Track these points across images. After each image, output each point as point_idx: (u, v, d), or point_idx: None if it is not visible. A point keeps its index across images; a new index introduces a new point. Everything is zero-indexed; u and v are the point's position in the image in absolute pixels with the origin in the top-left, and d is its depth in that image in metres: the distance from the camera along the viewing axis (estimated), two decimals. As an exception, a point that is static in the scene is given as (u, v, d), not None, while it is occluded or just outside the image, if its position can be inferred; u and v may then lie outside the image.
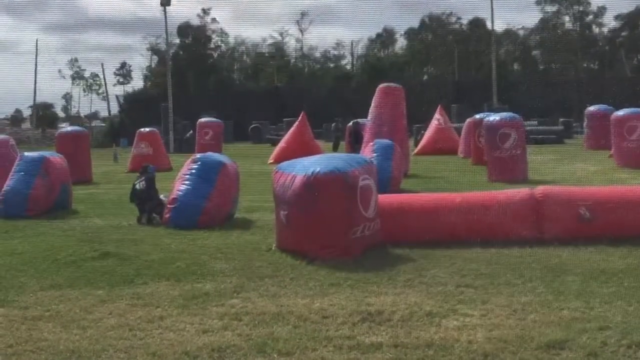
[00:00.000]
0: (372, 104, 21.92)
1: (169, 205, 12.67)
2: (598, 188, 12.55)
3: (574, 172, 21.39)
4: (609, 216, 9.99)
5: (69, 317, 6.95)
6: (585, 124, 34.93)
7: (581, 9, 78.60)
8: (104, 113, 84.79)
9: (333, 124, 42.85)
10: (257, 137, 51.44)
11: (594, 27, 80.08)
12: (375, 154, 17.03)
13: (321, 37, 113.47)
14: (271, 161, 27.41)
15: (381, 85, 22.29)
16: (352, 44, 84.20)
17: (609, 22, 79.38)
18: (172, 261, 9.43)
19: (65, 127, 33.65)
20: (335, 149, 33.87)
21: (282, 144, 31.04)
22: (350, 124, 27.47)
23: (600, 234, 9.73)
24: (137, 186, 13.40)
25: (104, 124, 75.98)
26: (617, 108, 25.94)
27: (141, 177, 13.60)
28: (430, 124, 34.46)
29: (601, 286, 7.53)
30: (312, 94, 65.43)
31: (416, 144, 33.73)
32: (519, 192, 10.62)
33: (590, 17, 79.27)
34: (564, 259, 8.87)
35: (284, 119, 48.42)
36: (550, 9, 79.11)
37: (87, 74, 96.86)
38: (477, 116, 27.53)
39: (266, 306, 7.11)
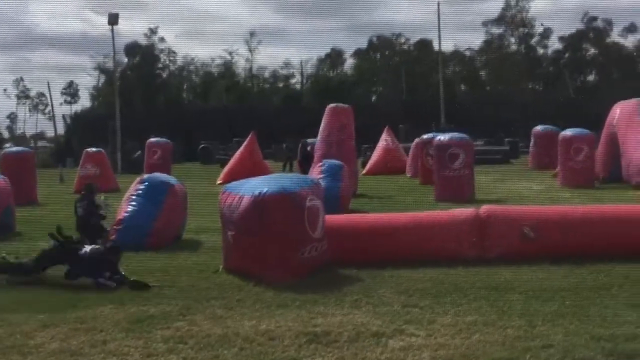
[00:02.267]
0: (322, 124, 22.01)
1: (114, 227, 12.49)
2: (541, 207, 12.80)
3: (519, 191, 21.77)
4: (551, 235, 10.16)
5: (9, 343, 6.80)
6: (531, 143, 35.58)
7: (526, 30, 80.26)
8: (50, 133, 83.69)
9: (284, 144, 42.92)
10: (207, 157, 51.15)
11: (538, 48, 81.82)
12: (324, 174, 17.10)
13: (270, 57, 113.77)
14: (220, 181, 27.26)
15: (330, 106, 22.41)
16: (301, 63, 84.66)
17: (553, 43, 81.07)
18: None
19: (10, 148, 33.03)
20: (284, 168, 33.89)
21: (231, 164, 30.91)
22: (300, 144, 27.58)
23: (543, 253, 9.89)
24: (78, 212, 13.11)
25: (50, 144, 74.88)
26: (562, 128, 26.47)
27: (84, 199, 13.30)
28: (378, 144, 34.73)
29: (543, 305, 7.65)
30: (261, 114, 65.44)
31: (363, 164, 33.88)
32: (464, 211, 10.75)
33: (536, 38, 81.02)
34: (508, 278, 9.00)
35: (234, 139, 48.30)
36: (496, 30, 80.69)
37: (33, 93, 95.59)
38: (425, 136, 27.87)
39: (212, 328, 7.06)
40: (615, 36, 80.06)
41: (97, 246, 9.95)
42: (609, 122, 24.45)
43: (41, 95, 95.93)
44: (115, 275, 9.29)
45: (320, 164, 18.40)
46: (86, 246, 9.88)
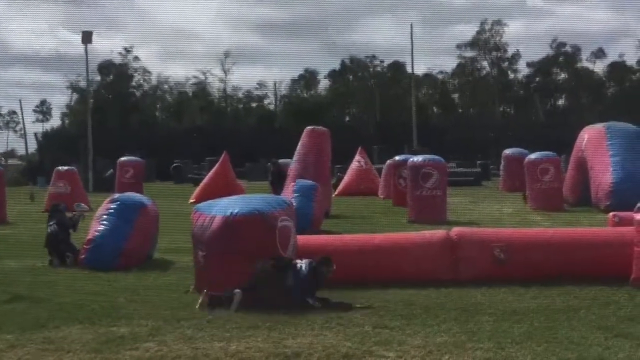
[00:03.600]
0: (299, 145, 22.26)
1: (84, 246, 12.40)
2: (512, 230, 12.93)
3: (491, 214, 21.96)
4: (521, 257, 10.26)
5: (-24, 363, 6.71)
6: (502, 166, 35.92)
7: (499, 54, 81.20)
8: (21, 151, 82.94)
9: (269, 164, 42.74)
10: (179, 177, 50.91)
11: (509, 72, 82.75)
12: (296, 194, 17.14)
13: (244, 77, 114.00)
14: (192, 200, 27.16)
15: (308, 128, 22.80)
16: (275, 84, 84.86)
17: (523, 68, 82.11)
18: (86, 303, 9.22)
19: (-21, 165, 32.67)
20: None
21: (203, 183, 30.82)
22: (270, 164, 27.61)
23: (514, 275, 9.98)
24: (49, 229, 13.04)
25: (21, 162, 74.18)
26: (531, 151, 26.79)
27: (52, 219, 13.23)
28: (351, 165, 34.84)
29: (512, 326, 7.71)
30: (234, 134, 65.43)
31: (335, 186, 33.84)
32: (435, 233, 10.83)
33: (507, 62, 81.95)
34: (478, 300, 9.06)
35: (207, 158, 48.17)
36: (469, 54, 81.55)
37: (4, 111, 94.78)
38: (397, 157, 28.01)
39: (182, 349, 7.02)
40: (584, 61, 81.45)
41: (309, 260, 9.18)
42: (577, 147, 24.77)
43: (12, 113, 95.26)
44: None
45: (293, 183, 18.48)
46: (299, 261, 9.21)
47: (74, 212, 13.71)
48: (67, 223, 13.14)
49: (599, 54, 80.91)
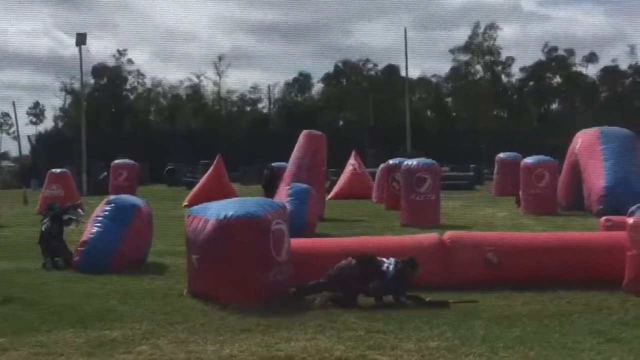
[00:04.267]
0: (295, 148, 22.46)
1: (79, 248, 12.39)
2: (504, 234, 12.97)
3: (484, 218, 22.00)
4: (513, 262, 10.29)
5: (-32, 367, 6.70)
6: (495, 170, 35.99)
7: (492, 58, 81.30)
8: (14, 153, 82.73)
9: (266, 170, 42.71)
10: (173, 180, 50.85)
11: (503, 76, 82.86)
12: (291, 198, 17.15)
13: (238, 81, 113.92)
14: (186, 204, 27.14)
15: (305, 131, 23.10)
16: (269, 87, 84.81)
17: (517, 72, 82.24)
18: (79, 306, 9.21)
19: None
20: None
21: (197, 186, 30.80)
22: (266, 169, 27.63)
23: (506, 279, 10.00)
24: (43, 228, 13.06)
25: (14, 164, 73.99)
26: (525, 156, 26.87)
27: (45, 217, 13.25)
28: (345, 169, 34.88)
29: (505, 331, 7.73)
30: (228, 137, 65.39)
31: (328, 190, 33.76)
32: (428, 237, 10.85)
33: (500, 67, 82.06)
34: (471, 304, 9.07)
35: (201, 161, 48.14)
36: (463, 57, 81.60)
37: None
38: (391, 161, 28.04)
39: (175, 353, 7.02)
40: (577, 66, 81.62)
41: (395, 260, 9.24)
42: (571, 151, 24.84)
43: (5, 114, 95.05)
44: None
45: (288, 187, 18.49)
46: (385, 261, 9.28)
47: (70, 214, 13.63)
48: (60, 216, 13.10)
49: (592, 57, 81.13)
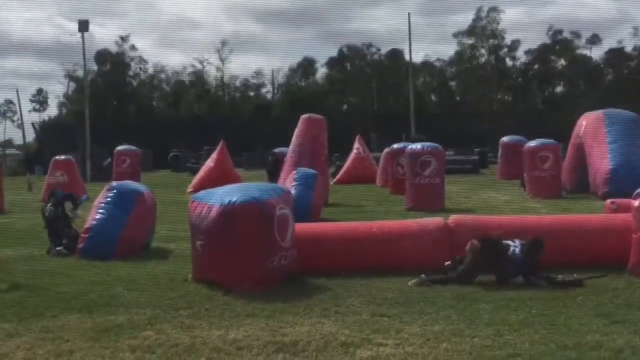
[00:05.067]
0: (295, 133, 22.14)
1: (82, 235, 12.40)
2: (509, 217, 12.93)
3: (488, 201, 21.96)
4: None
5: (-26, 353, 6.71)
6: (499, 154, 35.93)
7: (496, 42, 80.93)
8: (18, 140, 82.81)
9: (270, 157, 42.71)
10: (177, 166, 50.90)
11: (507, 60, 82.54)
12: (296, 183, 17.06)
13: (242, 66, 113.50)
14: (190, 190, 27.17)
15: (304, 116, 22.64)
16: (272, 72, 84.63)
17: (521, 55, 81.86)
18: (84, 293, 9.22)
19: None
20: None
21: (201, 172, 30.81)
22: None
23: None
24: (46, 213, 13.06)
25: (18, 152, 74.08)
26: (529, 139, 26.78)
27: (49, 202, 13.25)
28: (351, 153, 34.89)
29: (510, 314, 7.71)
30: (232, 122, 65.35)
31: (333, 175, 33.79)
32: (432, 221, 10.82)
33: (504, 50, 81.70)
34: (476, 288, 9.05)
35: (204, 147, 48.15)
36: (467, 41, 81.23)
37: (0, 101, 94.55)
38: (395, 146, 28.00)
39: (180, 338, 7.02)
40: (582, 48, 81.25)
41: (520, 242, 9.36)
42: (575, 134, 24.75)
43: (9, 102, 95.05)
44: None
45: (294, 172, 18.35)
46: (511, 243, 9.40)
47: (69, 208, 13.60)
48: (62, 202, 13.07)
49: (595, 39, 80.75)
